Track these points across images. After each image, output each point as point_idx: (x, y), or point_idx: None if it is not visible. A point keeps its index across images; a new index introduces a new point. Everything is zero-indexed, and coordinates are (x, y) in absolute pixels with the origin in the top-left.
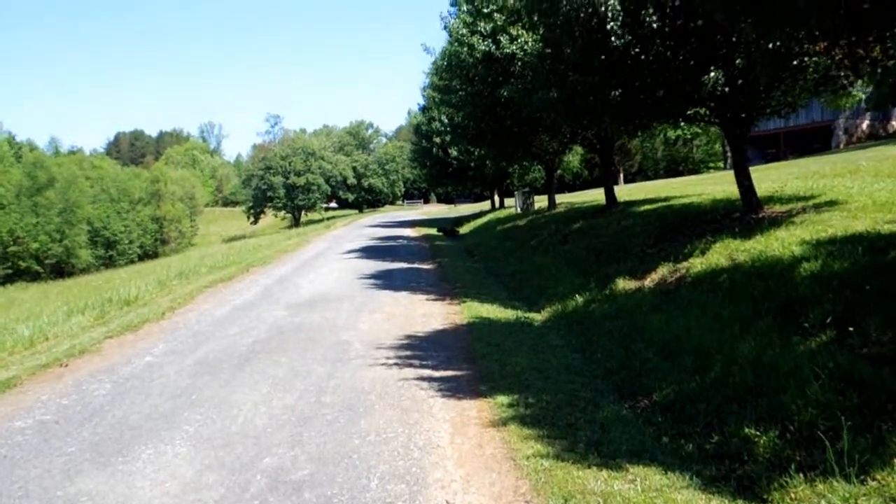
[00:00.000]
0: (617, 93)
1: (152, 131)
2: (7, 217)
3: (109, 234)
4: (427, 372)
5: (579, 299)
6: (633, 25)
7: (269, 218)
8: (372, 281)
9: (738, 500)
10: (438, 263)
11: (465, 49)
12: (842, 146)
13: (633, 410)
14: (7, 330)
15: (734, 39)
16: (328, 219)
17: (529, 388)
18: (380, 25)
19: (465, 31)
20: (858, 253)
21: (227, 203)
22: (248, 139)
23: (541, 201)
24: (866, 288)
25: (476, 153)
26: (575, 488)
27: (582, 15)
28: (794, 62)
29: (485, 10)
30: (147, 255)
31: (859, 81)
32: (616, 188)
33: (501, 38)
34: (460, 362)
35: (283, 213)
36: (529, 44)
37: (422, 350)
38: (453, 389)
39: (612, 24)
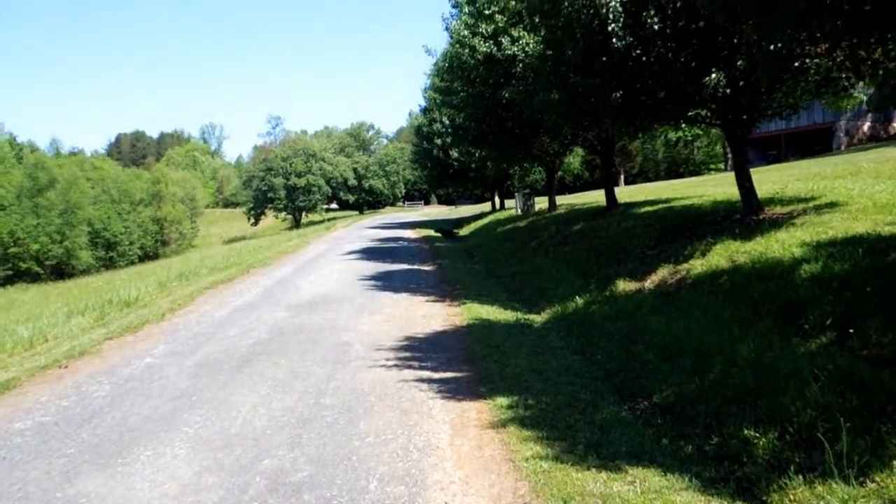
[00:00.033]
0: (618, 94)
1: (153, 132)
2: (8, 218)
3: (110, 236)
4: (427, 373)
5: (579, 301)
6: (634, 27)
7: (269, 219)
8: (372, 282)
9: (738, 501)
10: (439, 265)
11: (467, 50)
12: (843, 148)
13: (633, 412)
14: (7, 331)
15: (735, 41)
16: (329, 220)
17: (529, 390)
18: (380, 25)
19: (466, 32)
20: (859, 255)
21: (228, 204)
22: (249, 140)
23: (541, 203)
24: (867, 290)
25: (477, 154)
26: (574, 490)
27: (583, 16)
28: (796, 64)
29: (486, 12)
30: (147, 256)
31: (860, 83)
32: (617, 190)
33: (503, 40)
34: (460, 364)
35: (283, 214)
36: (531, 45)
37: (422, 351)
38: (453, 391)
39: (613, 25)
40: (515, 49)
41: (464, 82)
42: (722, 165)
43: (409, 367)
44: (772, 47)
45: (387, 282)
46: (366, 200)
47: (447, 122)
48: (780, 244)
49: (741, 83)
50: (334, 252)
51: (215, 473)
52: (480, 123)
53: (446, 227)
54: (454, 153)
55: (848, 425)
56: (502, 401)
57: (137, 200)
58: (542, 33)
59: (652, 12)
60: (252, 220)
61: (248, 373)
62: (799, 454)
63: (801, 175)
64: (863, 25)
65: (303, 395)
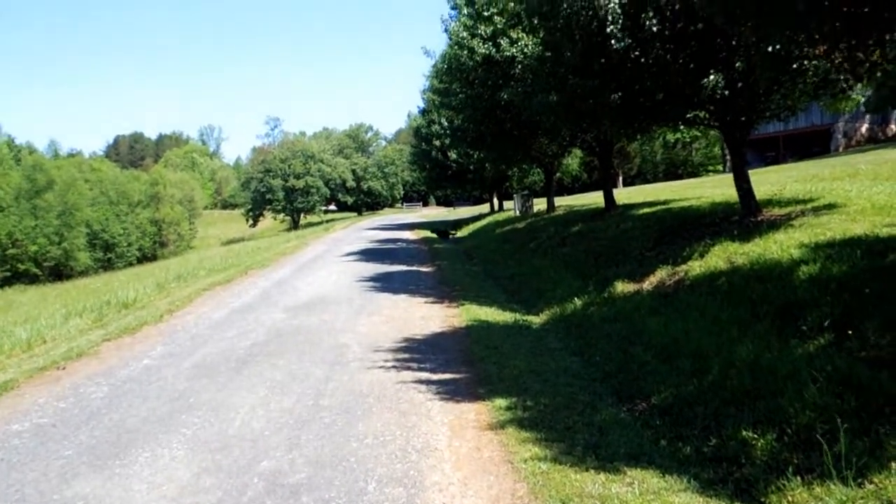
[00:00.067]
0: (617, 96)
1: (152, 134)
2: (6, 220)
3: (108, 237)
4: (425, 375)
5: (578, 302)
6: (633, 29)
7: (267, 221)
8: (370, 283)
9: (736, 502)
10: (437, 266)
11: (466, 52)
12: (841, 150)
13: (632, 413)
14: (5, 333)
15: (734, 43)
16: (327, 221)
17: (527, 391)
18: (379, 26)
19: (465, 33)
20: (857, 256)
21: (226, 206)
22: (248, 142)
23: (540, 204)
24: (865, 291)
25: (475, 156)
26: (573, 491)
27: (582, 18)
28: (794, 65)
29: (485, 14)
30: (146, 257)
31: (858, 85)
32: (615, 191)
33: (501, 41)
34: (458, 365)
35: (281, 215)
36: (529, 47)
37: (420, 353)
38: (451, 392)
39: (612, 27)
40: (514, 50)
41: (462, 84)
42: (720, 167)
43: (408, 368)
44: (770, 49)
45: (385, 283)
46: (364, 202)
47: (446, 123)
48: (779, 246)
49: (739, 85)
50: (332, 253)
51: (213, 475)
52: (479, 125)
53: (442, 228)
54: (453, 154)
55: (846, 427)
56: (501, 402)
57: (136, 202)
58: (541, 35)
59: (650, 14)
60: (250, 222)
61: (247, 374)
62: (797, 455)
63: (800, 176)
64: (861, 27)
65: (301, 396)
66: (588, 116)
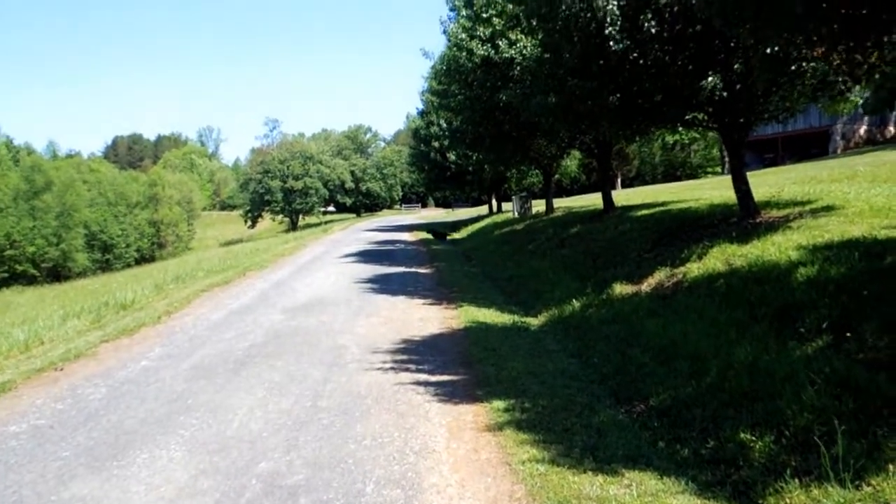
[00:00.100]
0: (615, 97)
1: (150, 135)
2: (4, 221)
3: (106, 238)
4: (423, 376)
5: (576, 304)
6: (631, 30)
7: (266, 222)
8: (369, 285)
9: None
10: (436, 268)
11: (464, 53)
12: (839, 151)
13: (630, 415)
14: (2, 334)
15: (732, 44)
16: (326, 223)
17: (525, 393)
18: (379, 26)
19: (464, 35)
20: (855, 258)
21: (225, 207)
22: (247, 143)
23: (538, 206)
24: (863, 293)
25: (474, 157)
26: (570, 493)
27: (580, 20)
28: (793, 67)
29: (484, 15)
30: (144, 258)
31: (857, 86)
32: (614, 193)
33: (500, 43)
34: (457, 367)
35: (280, 217)
36: (528, 48)
37: (418, 354)
38: (449, 394)
39: (610, 29)
40: (513, 52)
41: (461, 85)
42: (719, 169)
43: (406, 369)
44: (768, 51)
45: (384, 284)
46: (363, 203)
47: (444, 124)
48: (777, 247)
49: (738, 86)
50: (331, 255)
51: (211, 476)
52: (478, 126)
53: (440, 230)
54: (451, 156)
55: (844, 429)
56: (499, 404)
57: (134, 203)
58: (540, 36)
59: (649, 16)
60: (249, 223)
61: (245, 375)
62: (795, 458)
63: (798, 178)
64: (859, 29)
65: (299, 397)
66: (587, 118)
